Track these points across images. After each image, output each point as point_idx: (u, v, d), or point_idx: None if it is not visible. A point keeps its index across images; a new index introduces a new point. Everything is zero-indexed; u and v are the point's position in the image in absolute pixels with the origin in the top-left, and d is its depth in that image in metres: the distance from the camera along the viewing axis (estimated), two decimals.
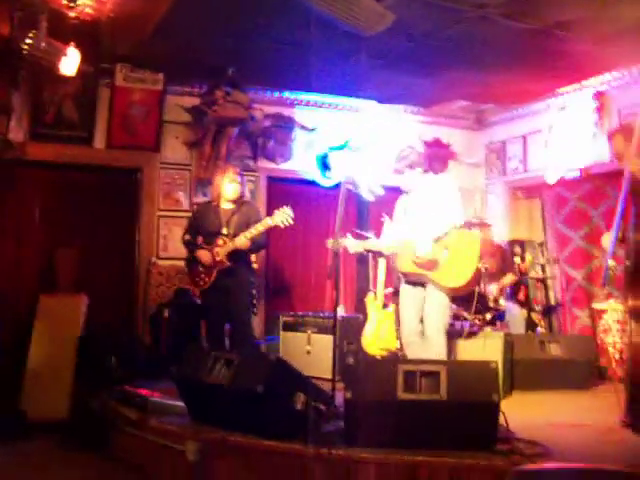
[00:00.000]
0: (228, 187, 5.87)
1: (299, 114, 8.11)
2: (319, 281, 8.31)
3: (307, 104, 8.12)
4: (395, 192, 5.63)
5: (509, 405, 4.52)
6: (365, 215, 8.37)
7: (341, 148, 7.95)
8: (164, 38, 6.12)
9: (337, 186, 7.60)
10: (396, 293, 5.82)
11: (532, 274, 7.83)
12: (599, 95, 7.23)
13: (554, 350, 6.18)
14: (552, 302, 8.04)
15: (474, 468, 3.53)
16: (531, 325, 7.56)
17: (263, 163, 7.95)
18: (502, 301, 6.74)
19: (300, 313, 7.08)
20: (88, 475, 4.52)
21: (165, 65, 7.04)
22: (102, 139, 7.15)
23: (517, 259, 7.73)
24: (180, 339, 6.53)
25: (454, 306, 6.34)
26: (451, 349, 5.71)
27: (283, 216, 5.61)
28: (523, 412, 4.89)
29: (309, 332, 6.70)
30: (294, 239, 8.17)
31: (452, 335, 5.88)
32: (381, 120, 8.38)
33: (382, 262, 6.59)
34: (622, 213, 4.36)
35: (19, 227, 6.94)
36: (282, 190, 8.10)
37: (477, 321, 6.43)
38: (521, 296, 7.76)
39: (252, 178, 7.73)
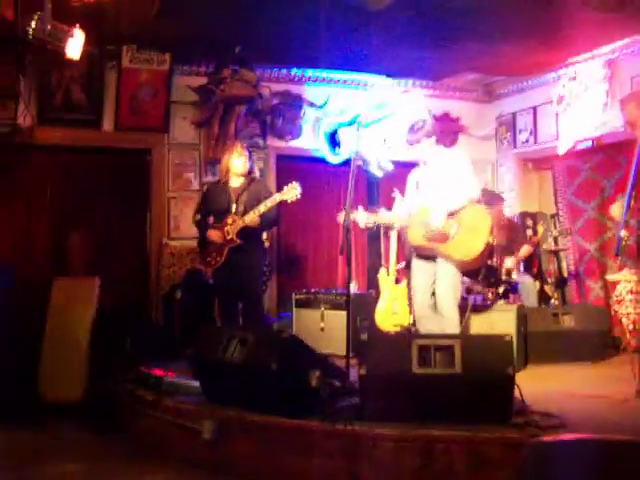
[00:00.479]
0: (236, 162, 5.84)
1: (307, 91, 8.07)
2: (331, 258, 8.31)
3: (315, 80, 8.07)
4: (405, 167, 5.62)
5: (524, 378, 4.52)
6: (375, 191, 8.36)
7: (350, 124, 7.92)
8: (169, 17, 6.08)
9: (346, 163, 7.61)
10: (408, 267, 5.81)
11: (544, 246, 7.79)
12: (610, 63, 7.15)
13: (567, 322, 6.16)
14: (565, 274, 8.01)
15: (490, 441, 3.54)
16: (544, 297, 7.54)
17: (272, 141, 7.93)
18: (514, 274, 6.72)
19: (313, 290, 7.08)
20: (102, 454, 4.55)
21: (171, 45, 7.01)
22: (110, 121, 7.15)
23: (529, 231, 7.69)
24: (193, 319, 6.55)
25: (467, 280, 6.34)
26: (464, 323, 5.71)
27: (292, 191, 5.59)
28: (538, 384, 4.89)
29: (322, 309, 6.71)
30: (305, 217, 8.16)
31: (465, 309, 5.88)
32: (390, 95, 8.33)
33: (394, 236, 6.59)
34: (634, 182, 4.32)
35: (30, 211, 6.97)
36: (291, 168, 8.07)
37: (490, 295, 6.42)
38: (534, 269, 7.74)
39: (262, 156, 7.71)
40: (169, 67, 7.20)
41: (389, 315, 6.46)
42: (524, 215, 8.14)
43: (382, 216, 5.56)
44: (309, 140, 8.07)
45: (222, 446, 4.12)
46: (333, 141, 8.02)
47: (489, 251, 5.30)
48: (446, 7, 5.85)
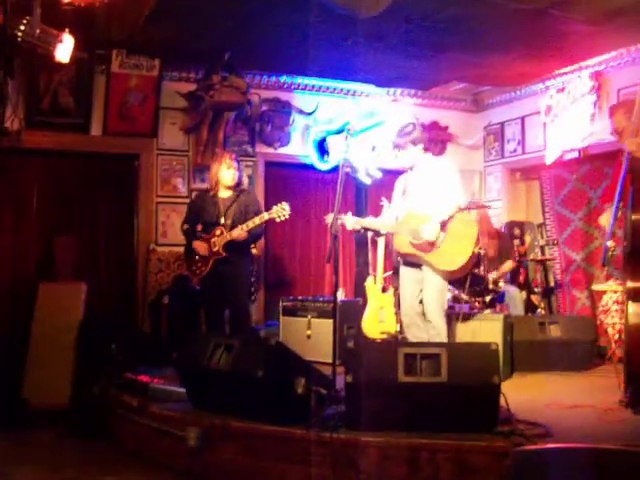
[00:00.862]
0: (226, 174, 5.85)
1: (297, 98, 8.08)
2: (318, 265, 8.31)
3: (304, 88, 8.08)
4: (393, 175, 5.62)
5: (509, 387, 4.53)
6: (363, 199, 8.38)
7: (339, 132, 7.93)
8: (159, 23, 6.08)
9: (335, 170, 7.63)
10: (396, 273, 5.82)
11: (531, 256, 7.83)
12: (597, 75, 7.20)
13: (554, 331, 6.18)
14: (551, 284, 8.05)
15: (475, 450, 3.54)
16: (531, 307, 7.57)
17: (261, 148, 7.93)
18: (501, 283, 6.75)
19: (300, 298, 7.07)
20: (88, 461, 4.52)
21: (161, 51, 7.00)
22: (99, 126, 7.12)
23: (516, 241, 7.72)
24: (180, 325, 6.54)
25: (454, 289, 6.36)
26: (451, 332, 5.72)
27: (280, 211, 5.65)
28: (524, 393, 4.90)
29: (309, 316, 6.70)
30: (293, 224, 8.13)
31: (451, 317, 5.89)
32: (379, 103, 8.35)
33: (381, 244, 6.60)
34: (621, 192, 4.34)
35: (17, 215, 6.92)
36: (280, 175, 8.09)
37: (477, 304, 6.44)
38: (520, 278, 7.77)
39: (250, 163, 7.72)
40: (158, 72, 7.18)
41: (376, 323, 6.46)
42: (511, 224, 8.17)
43: (369, 221, 5.57)
44: (298, 147, 8.08)
45: (207, 453, 4.10)
46: (322, 149, 8.03)
47: (474, 260, 5.31)
48: (435, 17, 5.88)
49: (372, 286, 6.61)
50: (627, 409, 4.28)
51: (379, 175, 7.74)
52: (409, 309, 5.23)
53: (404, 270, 5.29)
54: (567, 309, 7.83)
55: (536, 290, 7.72)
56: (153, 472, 4.27)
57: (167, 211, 7.42)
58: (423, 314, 5.14)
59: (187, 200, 6.98)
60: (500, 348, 4.01)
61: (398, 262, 5.52)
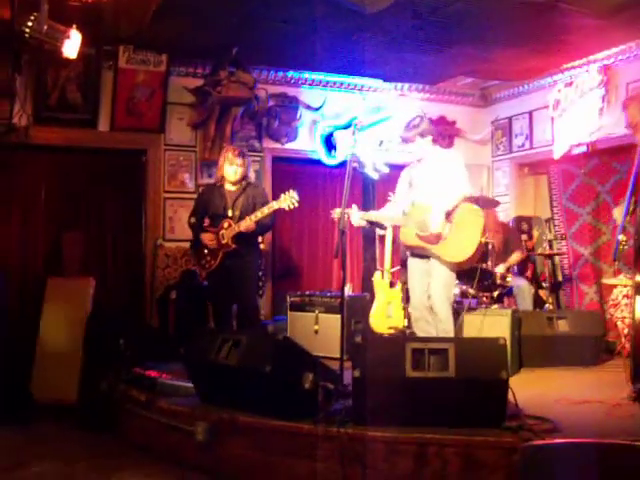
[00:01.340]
0: (228, 169, 5.83)
1: (304, 93, 8.07)
2: (326, 260, 8.31)
3: (312, 83, 8.07)
4: (401, 170, 5.61)
5: (517, 382, 4.52)
6: (371, 194, 8.37)
7: (346, 127, 7.92)
8: (167, 19, 6.08)
9: (342, 165, 7.63)
10: (404, 266, 5.82)
11: (539, 251, 7.81)
12: (606, 69, 7.17)
13: (562, 326, 6.16)
14: (559, 278, 8.02)
15: (483, 445, 3.54)
16: (539, 302, 7.55)
17: (268, 143, 7.93)
18: (509, 278, 6.73)
19: (307, 293, 7.07)
20: (98, 455, 4.54)
21: (168, 46, 7.00)
22: (106, 121, 7.13)
23: (524, 236, 7.70)
24: (187, 320, 6.55)
25: (462, 284, 6.35)
26: (459, 326, 5.72)
27: (289, 199, 5.58)
28: (532, 389, 4.90)
29: (317, 312, 6.70)
30: (300, 219, 8.16)
31: (459, 312, 5.89)
32: (386, 98, 8.34)
33: (389, 238, 6.59)
34: (634, 187, 4.32)
35: (25, 211, 6.95)
36: (287, 170, 8.09)
37: (484, 298, 6.43)
38: (528, 273, 7.75)
39: (257, 158, 7.72)
40: (166, 68, 7.19)
41: (383, 318, 6.46)
42: (519, 219, 8.15)
43: (375, 214, 5.57)
44: (305, 142, 8.08)
45: (215, 448, 4.11)
46: (329, 144, 8.02)
47: (481, 251, 5.30)
48: (443, 11, 5.86)
49: (380, 281, 6.61)
50: (636, 404, 4.27)
51: (386, 170, 7.73)
52: (418, 302, 5.23)
53: (412, 261, 5.29)
54: (575, 304, 7.80)
55: (544, 285, 7.70)
56: (161, 466, 4.28)
57: (174, 206, 7.43)
58: (432, 308, 5.14)
59: (194, 195, 6.98)
60: (508, 343, 4.01)
61: (406, 255, 5.52)
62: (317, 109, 8.09)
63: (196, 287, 6.74)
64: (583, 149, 7.49)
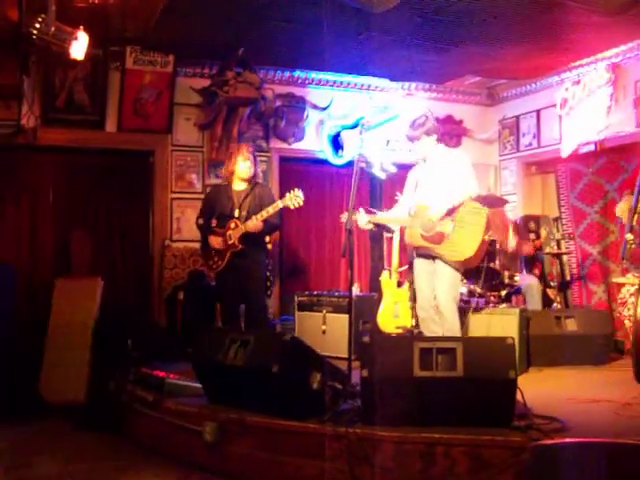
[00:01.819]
0: (242, 165, 5.84)
1: (311, 93, 8.07)
2: (333, 260, 8.32)
3: (318, 83, 8.07)
4: (408, 170, 5.60)
5: (526, 381, 4.51)
6: (378, 194, 8.36)
7: (353, 127, 7.92)
8: (173, 19, 6.09)
9: (349, 165, 7.62)
10: (411, 267, 5.82)
11: (547, 250, 7.78)
12: (614, 67, 7.14)
13: (570, 325, 6.15)
14: (567, 277, 8.00)
15: (491, 444, 3.53)
16: (547, 301, 7.52)
17: (275, 143, 7.93)
18: (517, 277, 6.71)
19: (315, 292, 7.08)
20: (105, 455, 4.55)
21: (175, 47, 7.01)
22: (114, 122, 7.15)
23: (532, 235, 7.68)
24: (195, 321, 6.56)
25: (469, 283, 6.33)
26: (466, 326, 5.71)
27: (294, 198, 5.60)
28: (540, 388, 4.89)
29: (324, 311, 6.70)
30: (307, 219, 8.17)
31: (467, 311, 5.88)
32: (393, 98, 8.34)
33: (396, 238, 6.59)
34: None
35: (33, 212, 6.98)
36: (294, 170, 8.09)
37: (492, 298, 6.41)
38: (536, 272, 7.73)
39: (264, 159, 7.71)
40: (173, 69, 7.20)
41: (391, 318, 6.46)
42: (527, 218, 8.13)
43: (381, 216, 5.57)
44: (312, 142, 8.08)
45: (223, 448, 4.11)
46: (336, 144, 8.02)
47: (485, 249, 5.29)
48: (449, 10, 5.84)
49: (387, 281, 6.61)
50: None
51: (394, 170, 7.72)
52: (425, 302, 5.23)
53: (418, 262, 5.30)
54: (583, 303, 7.78)
55: (552, 284, 7.68)
56: (169, 467, 4.28)
57: (182, 207, 7.44)
58: (438, 308, 5.14)
59: (202, 196, 6.99)
60: (516, 342, 4.00)
61: (413, 256, 5.52)
62: (324, 109, 8.09)
63: (204, 287, 6.75)
64: (591, 148, 7.46)
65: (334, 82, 8.11)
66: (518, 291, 6.83)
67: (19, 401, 5.48)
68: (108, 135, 7.15)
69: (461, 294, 5.96)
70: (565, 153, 7.74)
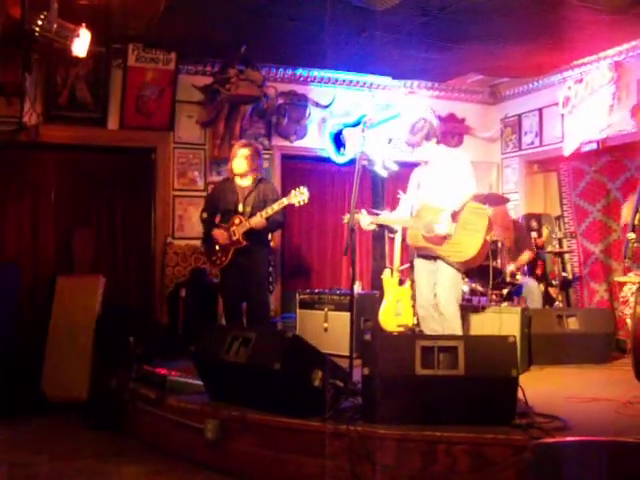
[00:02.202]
0: (235, 162, 5.89)
1: (313, 91, 8.07)
2: (335, 258, 8.32)
3: (321, 81, 8.06)
4: (410, 168, 5.61)
5: (527, 380, 4.51)
6: (380, 192, 8.37)
7: (355, 125, 7.91)
8: (176, 17, 6.09)
9: (351, 163, 7.61)
10: (412, 267, 5.82)
11: (549, 248, 7.78)
12: (617, 66, 7.13)
13: (572, 324, 6.15)
14: (569, 276, 7.99)
15: (493, 443, 3.53)
16: (548, 299, 7.52)
17: (277, 141, 7.93)
18: (519, 276, 6.71)
19: (317, 290, 7.09)
20: (107, 453, 4.56)
21: (177, 44, 7.01)
22: (116, 120, 7.15)
23: (534, 234, 7.67)
24: (197, 318, 6.57)
25: (471, 282, 6.33)
26: (468, 324, 5.71)
27: (299, 196, 5.62)
28: (541, 387, 4.89)
29: (326, 309, 6.71)
30: (309, 216, 8.18)
31: (468, 310, 5.88)
32: (396, 96, 8.33)
33: (398, 236, 6.58)
34: None
35: (35, 209, 6.98)
36: (296, 168, 8.10)
37: (494, 296, 6.41)
38: (538, 271, 7.72)
39: (266, 156, 7.70)
40: (175, 66, 7.20)
41: (392, 316, 6.46)
42: (529, 217, 8.12)
43: (383, 217, 5.57)
44: (314, 140, 8.08)
45: (225, 445, 4.12)
46: (338, 141, 8.02)
47: (487, 250, 5.28)
48: (452, 8, 5.83)
49: (389, 279, 6.61)
50: None
51: (396, 168, 7.72)
52: (425, 301, 5.23)
53: (418, 262, 5.29)
54: (585, 302, 7.77)
55: (554, 283, 7.67)
56: (171, 464, 4.29)
57: (184, 204, 7.44)
58: (437, 306, 5.14)
59: (204, 193, 7.00)
60: (518, 341, 4.00)
61: (414, 255, 5.52)
62: (326, 107, 8.09)
63: (206, 285, 6.76)
64: (593, 146, 7.46)
65: (336, 80, 8.10)
66: (519, 291, 6.82)
67: (21, 399, 5.49)
68: (110, 132, 7.15)
69: (463, 293, 5.96)
70: (567, 151, 7.73)
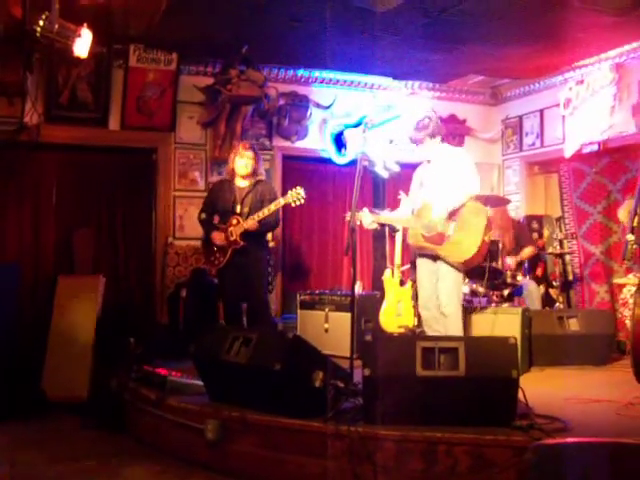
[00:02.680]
0: (239, 162, 5.90)
1: (314, 92, 8.07)
2: (336, 258, 8.32)
3: (322, 82, 8.07)
4: (411, 168, 5.61)
5: (528, 381, 4.50)
6: (381, 192, 8.38)
7: (356, 126, 7.92)
8: (177, 17, 6.09)
9: (352, 163, 7.62)
10: (414, 267, 5.82)
11: (550, 249, 7.78)
12: (618, 67, 7.13)
13: (573, 325, 6.15)
14: (570, 277, 7.99)
15: (493, 444, 3.53)
16: (549, 301, 7.52)
17: (278, 142, 7.94)
18: (519, 277, 6.71)
19: (317, 291, 7.09)
20: (106, 453, 4.55)
21: (179, 45, 7.02)
22: (117, 120, 7.16)
23: (534, 235, 7.67)
24: (198, 318, 6.56)
25: (472, 283, 6.33)
26: (469, 325, 5.71)
27: (295, 196, 5.66)
28: (542, 388, 4.89)
29: (327, 310, 6.71)
30: (310, 217, 8.18)
31: (469, 311, 5.88)
32: (397, 97, 8.33)
33: (399, 238, 6.59)
34: None
35: (36, 209, 6.98)
36: (297, 168, 8.10)
37: (494, 297, 6.41)
38: (539, 272, 7.73)
39: (267, 157, 7.71)
40: (176, 67, 7.20)
41: (393, 317, 6.46)
42: (530, 218, 8.12)
43: (385, 217, 5.58)
44: (315, 141, 8.08)
45: (225, 446, 4.12)
46: (339, 142, 8.02)
47: (486, 249, 5.28)
48: (453, 10, 5.83)
49: (390, 279, 6.61)
50: None
51: (397, 168, 7.72)
52: (427, 302, 5.23)
53: (420, 261, 5.31)
54: (586, 303, 7.77)
55: (555, 284, 7.67)
56: (171, 464, 4.29)
57: (185, 205, 7.44)
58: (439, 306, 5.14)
59: (205, 194, 6.98)
60: (518, 342, 4.00)
61: (415, 255, 5.52)
62: (327, 107, 8.09)
63: (206, 285, 6.75)
64: (594, 147, 7.46)
65: (337, 81, 8.10)
66: (520, 292, 6.82)
67: (22, 399, 5.49)
68: (111, 133, 7.16)
69: (464, 294, 5.97)
70: (568, 153, 7.73)
